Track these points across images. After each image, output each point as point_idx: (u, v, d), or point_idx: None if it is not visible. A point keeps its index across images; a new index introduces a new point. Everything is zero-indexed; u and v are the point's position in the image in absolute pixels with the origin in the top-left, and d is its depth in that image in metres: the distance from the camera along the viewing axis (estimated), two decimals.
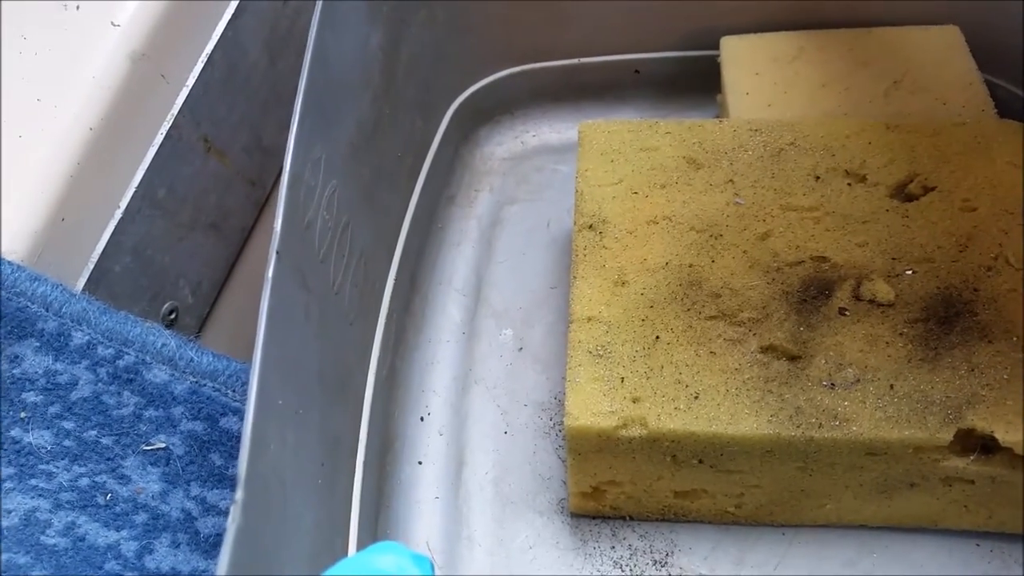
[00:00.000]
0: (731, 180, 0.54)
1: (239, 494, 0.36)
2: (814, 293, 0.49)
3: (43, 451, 0.48)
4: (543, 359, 0.59)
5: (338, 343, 0.51)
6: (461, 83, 0.69)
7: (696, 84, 0.67)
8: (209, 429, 0.49)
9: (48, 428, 0.49)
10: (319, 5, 0.51)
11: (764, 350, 0.47)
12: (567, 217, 0.61)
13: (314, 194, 0.48)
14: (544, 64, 0.69)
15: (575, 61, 0.69)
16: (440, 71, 0.66)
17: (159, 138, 0.57)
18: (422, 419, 0.57)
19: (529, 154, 0.70)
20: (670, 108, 0.70)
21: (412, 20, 0.61)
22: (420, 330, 0.61)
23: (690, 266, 0.50)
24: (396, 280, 0.59)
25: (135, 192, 0.56)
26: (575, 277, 0.51)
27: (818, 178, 0.53)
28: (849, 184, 0.53)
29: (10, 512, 0.46)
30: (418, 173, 0.64)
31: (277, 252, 0.42)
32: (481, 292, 0.62)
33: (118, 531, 0.47)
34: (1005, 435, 0.44)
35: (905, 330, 0.47)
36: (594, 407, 0.46)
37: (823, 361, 0.46)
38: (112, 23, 0.57)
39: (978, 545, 0.50)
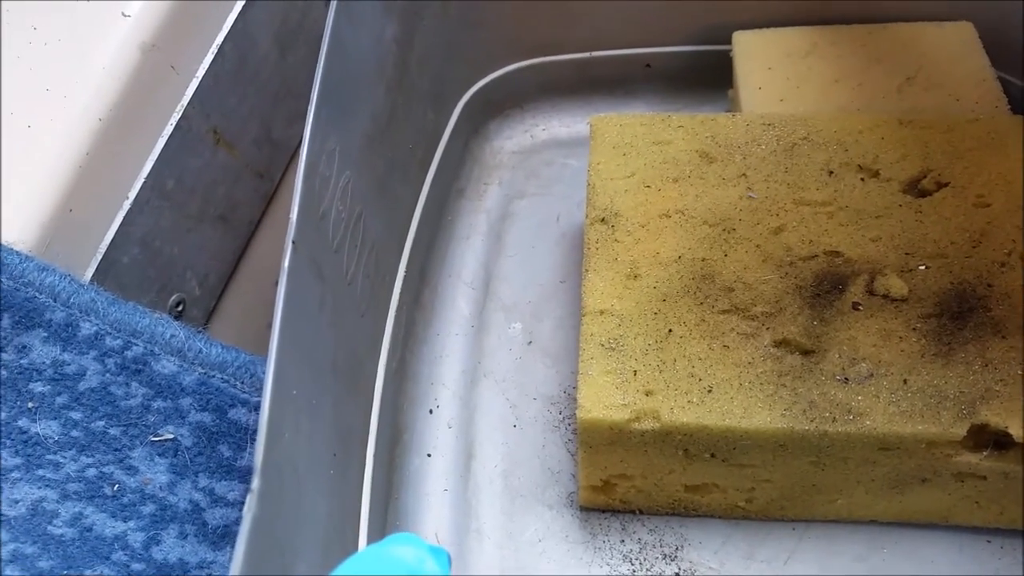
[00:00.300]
0: (744, 174, 0.54)
1: (256, 483, 0.36)
2: (827, 287, 0.49)
3: (50, 441, 0.48)
4: (552, 353, 0.58)
5: (351, 334, 0.51)
6: (471, 76, 0.68)
7: (708, 79, 0.67)
8: (217, 420, 0.48)
9: (56, 418, 0.49)
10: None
11: (777, 344, 0.47)
12: (576, 211, 0.61)
13: (329, 184, 0.48)
14: (554, 58, 0.69)
15: (586, 55, 0.68)
16: (451, 64, 0.65)
17: (168, 129, 0.57)
18: (431, 412, 0.57)
19: (539, 148, 0.70)
20: (681, 103, 0.69)
21: (425, 13, 0.61)
22: (429, 323, 0.61)
23: (703, 260, 0.50)
24: (406, 273, 0.59)
25: (144, 183, 0.56)
26: (587, 270, 0.50)
27: (831, 173, 0.53)
28: (862, 179, 0.53)
29: (17, 502, 0.46)
30: (429, 166, 0.64)
31: (293, 242, 0.42)
32: (490, 286, 0.62)
33: (125, 522, 0.47)
34: (1019, 431, 0.43)
35: (919, 325, 0.47)
36: (607, 400, 0.45)
37: (836, 355, 0.46)
38: (123, 13, 0.57)
39: (989, 541, 0.49)
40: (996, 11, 0.62)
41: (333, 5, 0.50)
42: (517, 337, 0.59)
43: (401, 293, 0.58)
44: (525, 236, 0.64)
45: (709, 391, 0.45)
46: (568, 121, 0.70)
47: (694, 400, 0.45)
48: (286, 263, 0.41)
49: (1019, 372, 0.45)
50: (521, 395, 0.57)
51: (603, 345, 0.47)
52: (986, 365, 0.45)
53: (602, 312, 0.49)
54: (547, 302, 0.61)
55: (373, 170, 0.54)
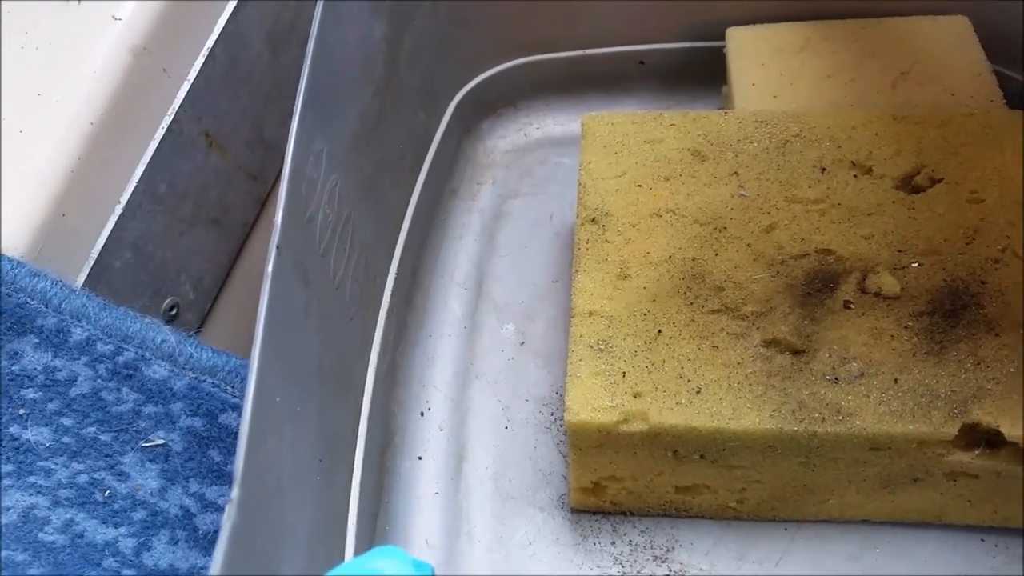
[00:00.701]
0: (736, 172, 0.53)
1: (235, 492, 0.36)
2: (819, 286, 0.48)
3: (42, 448, 0.48)
4: (544, 354, 0.58)
5: (338, 338, 0.50)
6: (464, 75, 0.68)
7: (702, 75, 0.67)
8: (208, 425, 0.48)
9: (47, 425, 0.49)
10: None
11: (767, 344, 0.47)
12: (570, 211, 0.61)
13: (315, 188, 0.47)
14: (548, 56, 0.68)
15: (579, 52, 0.68)
16: (443, 63, 0.65)
17: (160, 133, 0.57)
18: (422, 414, 0.57)
19: (532, 147, 0.69)
20: (675, 100, 0.69)
21: (415, 12, 0.60)
22: (421, 324, 0.60)
23: (693, 259, 0.50)
24: (397, 274, 0.59)
25: (136, 187, 0.56)
26: (577, 271, 0.50)
27: (824, 170, 0.53)
28: (855, 176, 0.52)
29: (8, 509, 0.46)
30: (420, 166, 0.63)
31: (278, 247, 0.42)
32: (483, 286, 0.62)
33: (116, 528, 0.47)
34: (1011, 430, 0.43)
35: (910, 323, 0.47)
36: (595, 402, 0.45)
37: (827, 355, 0.46)
38: (113, 17, 0.57)
39: (983, 540, 0.49)
40: (992, 5, 0.61)
41: (319, 6, 0.49)
42: (509, 338, 0.59)
43: (392, 295, 0.58)
44: (518, 236, 0.64)
45: (698, 392, 0.45)
46: (562, 119, 0.70)
47: (683, 401, 0.45)
48: (270, 268, 0.41)
49: (1011, 370, 0.45)
50: (513, 397, 0.57)
51: (592, 347, 0.47)
52: (978, 363, 0.45)
53: (591, 313, 0.48)
54: (540, 302, 0.60)
55: (362, 172, 0.54)
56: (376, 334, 0.56)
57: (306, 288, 0.46)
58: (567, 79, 0.69)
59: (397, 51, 0.59)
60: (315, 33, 0.48)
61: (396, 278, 0.59)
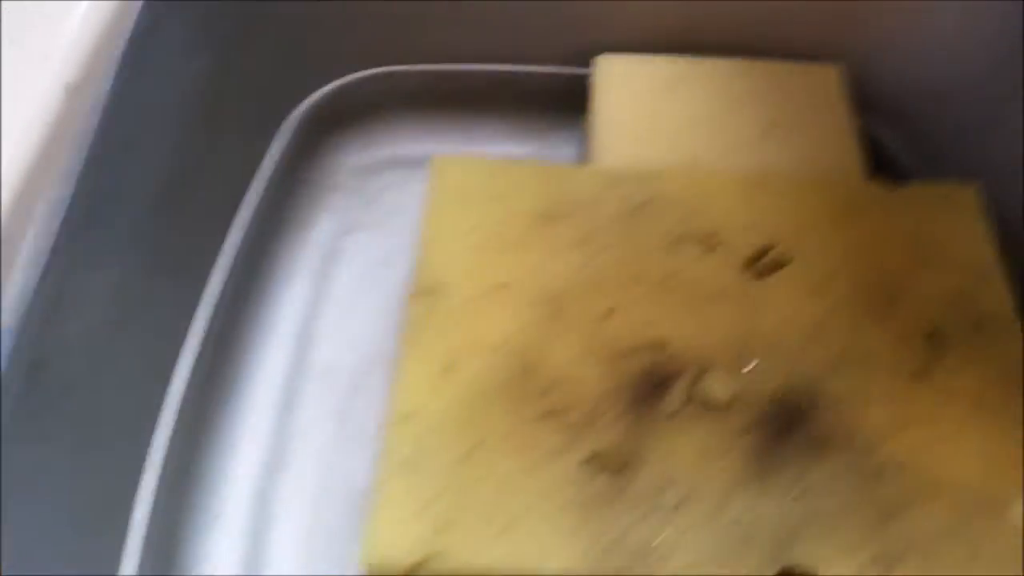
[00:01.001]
0: (584, 241, 0.50)
1: None
2: (649, 388, 0.46)
3: None
4: (370, 432, 0.51)
5: (102, 467, 0.44)
6: (300, 91, 0.61)
7: (569, 103, 0.61)
8: None
9: None
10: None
11: (589, 460, 0.44)
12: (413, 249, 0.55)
13: (72, 303, 0.41)
14: (399, 68, 0.62)
15: (436, 67, 0.61)
16: (280, 76, 0.58)
17: None
18: (215, 519, 0.49)
19: (378, 168, 0.63)
20: (540, 125, 0.63)
21: (245, 33, 0.54)
22: (226, 401, 0.52)
23: (527, 348, 0.47)
24: (201, 347, 0.51)
25: None
26: (400, 359, 0.47)
27: (672, 244, 0.50)
28: (704, 253, 0.50)
29: None
30: (244, 198, 0.56)
31: None
32: (306, 347, 0.55)
33: None
34: (827, 572, 0.41)
35: (738, 441, 0.45)
36: (396, 536, 0.42)
37: (648, 476, 0.44)
38: (44, 55, 0.52)
39: None
40: (866, 53, 0.59)
41: (114, 63, 0.43)
42: (330, 414, 0.53)
43: (190, 375, 0.50)
44: (354, 281, 0.58)
45: (509, 525, 0.42)
46: (413, 138, 0.63)
47: (491, 536, 0.42)
48: None
49: (837, 501, 0.43)
50: (326, 490, 0.50)
51: (403, 461, 0.44)
52: (805, 492, 0.43)
53: (408, 416, 0.45)
54: (370, 368, 0.54)
55: (158, 239, 0.48)
56: (162, 432, 0.48)
57: (41, 446, 0.39)
58: (420, 95, 0.63)
59: (222, 79, 0.52)
60: (105, 97, 0.43)
61: (197, 355, 0.51)
